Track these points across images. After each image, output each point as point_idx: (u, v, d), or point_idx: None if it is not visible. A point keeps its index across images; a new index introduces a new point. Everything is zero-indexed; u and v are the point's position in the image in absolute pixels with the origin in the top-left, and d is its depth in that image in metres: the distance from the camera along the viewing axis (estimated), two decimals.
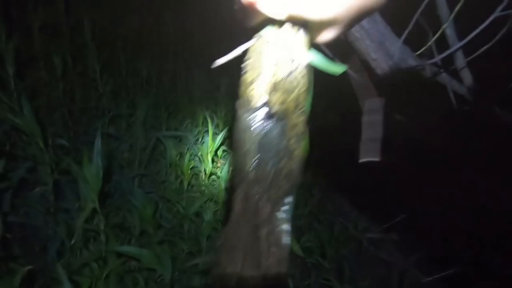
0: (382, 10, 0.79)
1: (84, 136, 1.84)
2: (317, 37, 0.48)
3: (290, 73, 0.50)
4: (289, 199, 0.61)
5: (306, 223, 1.89)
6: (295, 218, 1.91)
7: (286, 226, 0.61)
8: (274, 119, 0.53)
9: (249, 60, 0.52)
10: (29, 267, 1.05)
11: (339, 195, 2.36)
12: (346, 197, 2.30)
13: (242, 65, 0.52)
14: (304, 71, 0.50)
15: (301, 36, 0.48)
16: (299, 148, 0.55)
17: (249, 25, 0.47)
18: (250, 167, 0.54)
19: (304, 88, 0.52)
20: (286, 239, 0.61)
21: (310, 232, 1.80)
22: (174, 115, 2.14)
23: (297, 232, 1.73)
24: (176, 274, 1.29)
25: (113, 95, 2.02)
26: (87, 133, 1.88)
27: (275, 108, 0.52)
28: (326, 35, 0.47)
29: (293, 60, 0.49)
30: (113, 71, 2.10)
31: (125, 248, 1.02)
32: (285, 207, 0.61)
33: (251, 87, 0.52)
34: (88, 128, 1.84)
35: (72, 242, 1.08)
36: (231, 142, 0.61)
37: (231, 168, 0.56)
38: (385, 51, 0.79)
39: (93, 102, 1.93)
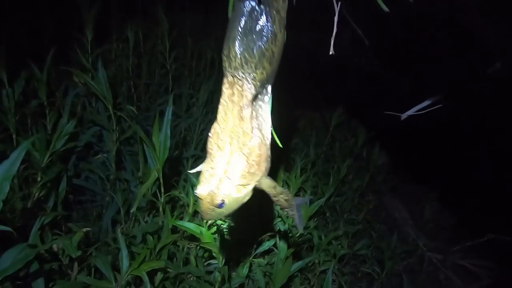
0: None
1: (146, 111, 1.86)
2: None
3: None
4: (269, 89, 0.72)
5: (361, 230, 1.76)
6: (348, 222, 1.79)
7: (267, 117, 0.72)
8: (263, 4, 0.62)
9: None
10: (87, 229, 1.05)
11: (397, 203, 2.19)
12: (405, 205, 2.13)
13: None
14: None
15: None
16: (281, 33, 0.65)
17: None
18: (237, 51, 0.64)
19: None
20: (267, 129, 0.72)
21: (365, 239, 1.67)
22: None
23: (351, 238, 1.61)
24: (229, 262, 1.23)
25: (178, 75, 2.02)
26: (148, 109, 1.90)
27: None
28: None
29: None
30: (180, 51, 2.10)
31: (187, 225, 0.97)
32: (266, 98, 0.72)
33: None
34: (151, 104, 1.85)
35: (132, 210, 1.06)
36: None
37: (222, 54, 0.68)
38: None
39: (158, 78, 1.94)
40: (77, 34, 1.49)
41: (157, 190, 1.09)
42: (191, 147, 1.80)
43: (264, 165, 0.70)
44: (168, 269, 1.09)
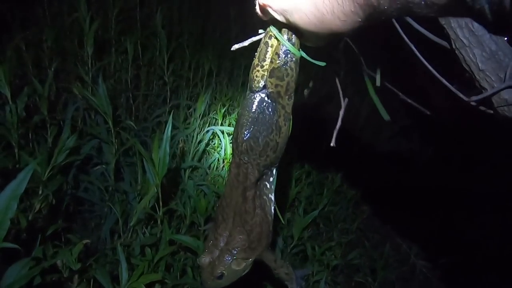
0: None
1: (144, 122, 1.89)
2: (307, 42, 0.62)
3: (284, 63, 0.62)
4: (274, 171, 0.76)
5: (354, 239, 1.80)
6: (341, 232, 1.83)
7: (270, 196, 0.76)
8: (270, 99, 0.66)
9: (258, 49, 0.65)
10: (87, 241, 1.08)
11: (391, 213, 2.23)
12: (399, 215, 2.17)
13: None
14: (294, 65, 0.63)
15: (295, 37, 0.61)
16: (285, 126, 0.69)
17: (264, 19, 0.60)
18: (244, 138, 0.67)
19: (293, 77, 0.64)
20: (270, 206, 0.76)
21: (358, 249, 1.71)
22: (231, 110, 2.13)
23: (344, 247, 1.64)
24: None
25: (176, 86, 2.06)
26: (146, 120, 1.94)
27: (271, 89, 0.65)
28: (313, 42, 0.61)
29: (287, 54, 0.61)
30: (177, 63, 2.14)
31: (184, 238, 1.01)
32: (271, 179, 0.76)
33: (255, 71, 0.65)
34: (149, 115, 1.88)
35: (132, 223, 1.09)
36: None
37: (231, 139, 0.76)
38: (497, 63, 0.71)
39: (156, 90, 1.97)
40: (77, 49, 1.53)
41: (155, 204, 1.12)
42: (188, 158, 1.84)
43: (265, 241, 0.75)
44: (166, 280, 1.12)
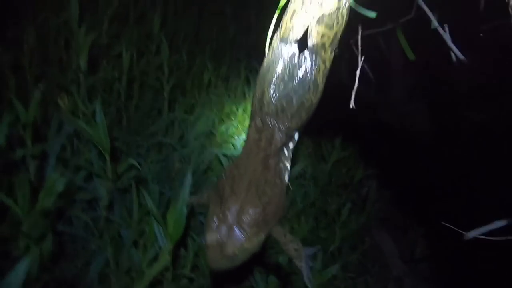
0: None
1: (136, 135, 1.69)
2: None
3: (337, 8, 0.53)
4: (296, 135, 0.68)
5: (356, 270, 1.72)
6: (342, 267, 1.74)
7: (287, 163, 0.68)
8: (309, 52, 0.57)
9: None
10: None
11: (384, 234, 2.17)
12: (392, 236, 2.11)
13: None
14: (346, 12, 0.55)
15: None
16: (322, 83, 0.61)
17: None
18: (273, 97, 0.59)
19: (342, 27, 0.56)
20: (285, 175, 0.68)
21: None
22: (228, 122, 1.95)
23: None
24: None
25: (173, 97, 1.88)
26: (139, 133, 1.74)
27: (314, 40, 0.56)
28: None
29: None
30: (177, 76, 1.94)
31: None
32: (291, 144, 0.68)
33: (295, 17, 0.55)
34: (146, 131, 1.70)
35: None
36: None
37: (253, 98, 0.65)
38: None
39: (153, 103, 1.79)
40: (65, 56, 1.32)
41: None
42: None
43: (280, 213, 0.67)
44: None
